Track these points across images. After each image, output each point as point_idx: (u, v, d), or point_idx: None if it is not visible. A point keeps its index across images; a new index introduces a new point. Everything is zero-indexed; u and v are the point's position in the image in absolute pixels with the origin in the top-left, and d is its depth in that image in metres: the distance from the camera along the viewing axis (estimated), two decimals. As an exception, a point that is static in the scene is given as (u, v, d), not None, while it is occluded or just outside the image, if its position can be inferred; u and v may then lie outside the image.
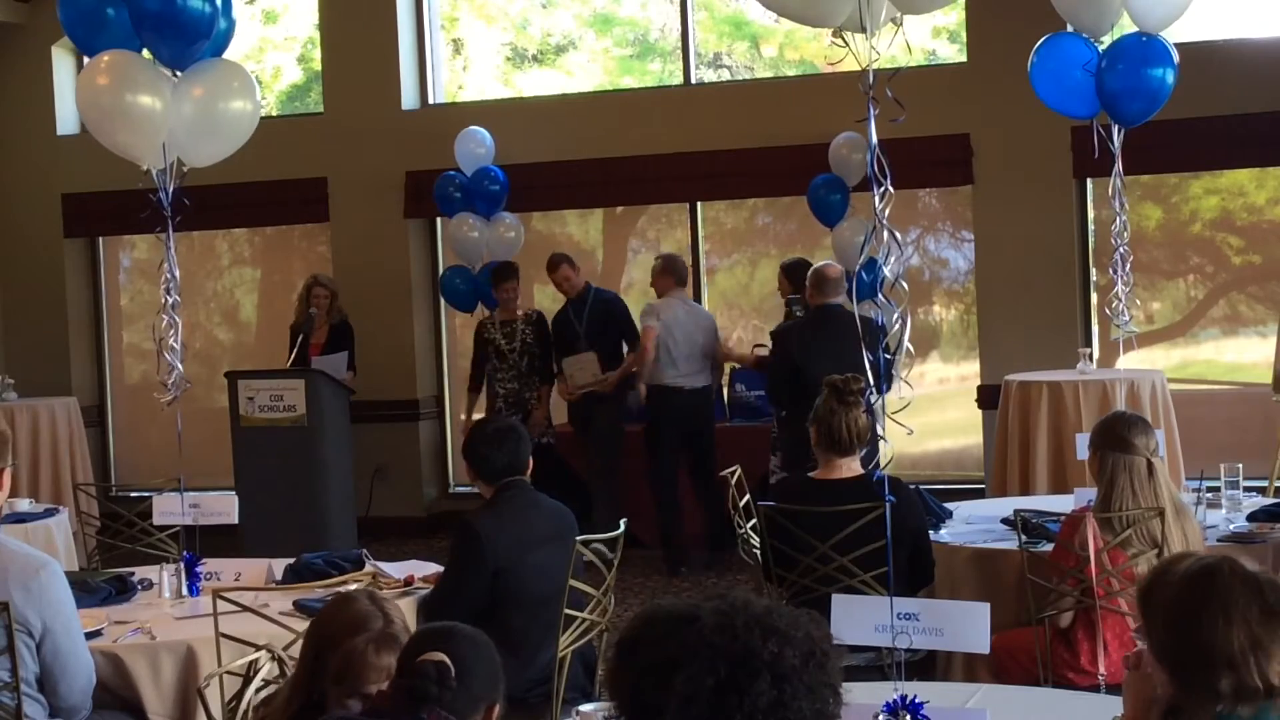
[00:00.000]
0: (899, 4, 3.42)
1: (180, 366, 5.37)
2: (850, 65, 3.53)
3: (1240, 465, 5.90)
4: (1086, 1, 5.85)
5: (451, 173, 10.24)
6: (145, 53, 5.35)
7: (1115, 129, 5.93)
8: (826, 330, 7.75)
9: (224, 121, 5.38)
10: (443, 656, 2.79)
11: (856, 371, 4.37)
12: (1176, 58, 6.11)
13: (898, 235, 3.53)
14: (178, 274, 5.43)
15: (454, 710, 2.77)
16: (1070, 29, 6.32)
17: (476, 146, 10.25)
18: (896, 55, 3.41)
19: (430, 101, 11.20)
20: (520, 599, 4.91)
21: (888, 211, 3.46)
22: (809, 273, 8.15)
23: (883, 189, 3.43)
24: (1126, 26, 6.25)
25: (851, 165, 9.42)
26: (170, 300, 5.35)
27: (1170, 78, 5.91)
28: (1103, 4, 5.81)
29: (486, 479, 5.08)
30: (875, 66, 3.42)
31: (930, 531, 5.36)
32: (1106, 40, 6.10)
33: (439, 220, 11.05)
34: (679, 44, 10.85)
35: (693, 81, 10.81)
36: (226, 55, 5.53)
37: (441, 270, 10.84)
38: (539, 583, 4.92)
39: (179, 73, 5.30)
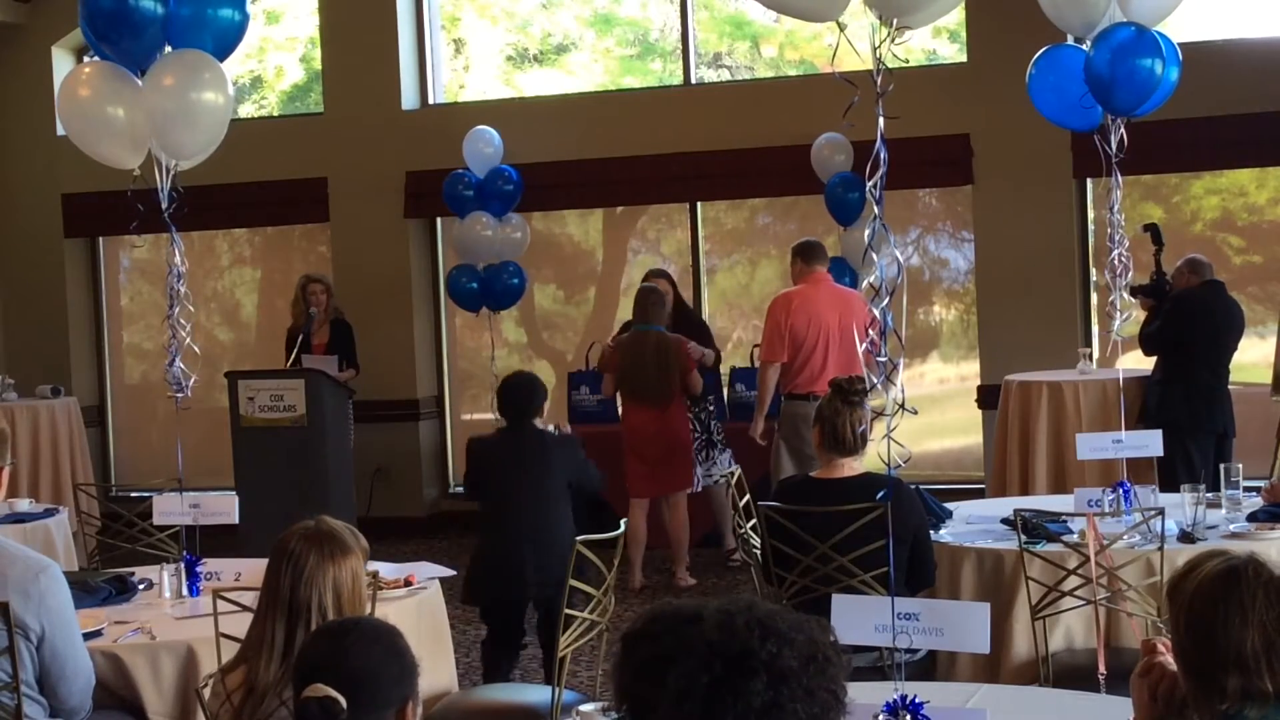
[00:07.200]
0: (899, 18, 3.41)
1: (183, 367, 5.37)
2: (849, 67, 3.53)
3: (1240, 465, 5.90)
4: (1072, 1, 5.81)
5: (461, 172, 10.22)
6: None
7: (1114, 134, 5.89)
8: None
9: (198, 113, 5.32)
10: (327, 691, 2.60)
11: None
12: (1180, 54, 6.08)
13: (891, 235, 3.51)
14: (185, 270, 5.41)
15: None
16: (1069, 38, 6.29)
17: (485, 145, 10.23)
18: (898, 55, 3.41)
19: (431, 101, 11.20)
20: (502, 494, 6.21)
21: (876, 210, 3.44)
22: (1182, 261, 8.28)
23: (876, 189, 3.42)
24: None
25: (833, 166, 9.46)
26: (180, 290, 5.34)
27: (1159, 68, 5.84)
28: (1088, 3, 5.76)
29: (501, 412, 6.36)
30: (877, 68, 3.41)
31: (930, 531, 5.35)
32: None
33: (439, 220, 11.06)
34: (679, 44, 10.84)
35: (693, 81, 10.81)
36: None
37: (446, 270, 10.80)
38: (506, 483, 6.20)
39: (143, 71, 5.26)
